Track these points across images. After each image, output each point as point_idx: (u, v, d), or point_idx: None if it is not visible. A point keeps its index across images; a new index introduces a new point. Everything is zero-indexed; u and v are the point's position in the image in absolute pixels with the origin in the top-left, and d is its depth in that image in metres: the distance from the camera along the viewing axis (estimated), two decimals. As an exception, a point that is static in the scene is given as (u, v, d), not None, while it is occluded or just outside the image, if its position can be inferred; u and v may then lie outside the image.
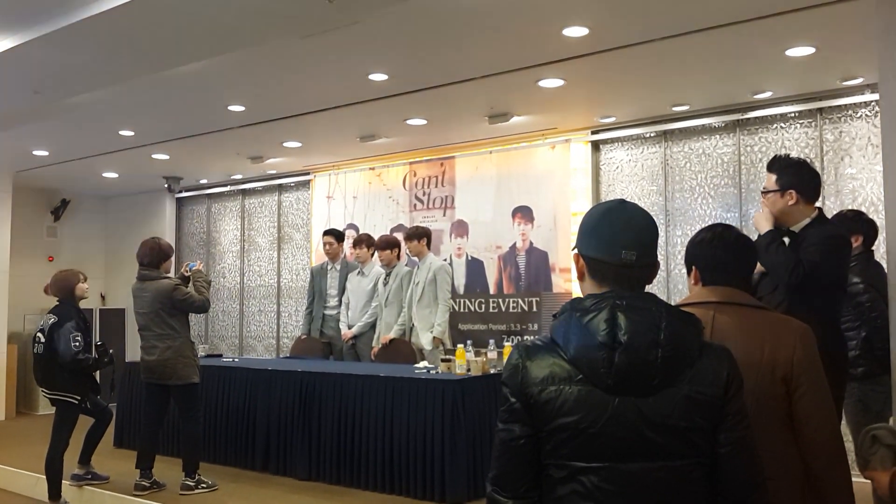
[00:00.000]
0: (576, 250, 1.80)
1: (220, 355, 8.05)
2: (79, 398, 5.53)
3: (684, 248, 7.78)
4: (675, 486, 1.61)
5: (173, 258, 6.24)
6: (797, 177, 3.21)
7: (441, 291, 6.53)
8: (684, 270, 7.86)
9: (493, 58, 5.33)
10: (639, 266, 1.71)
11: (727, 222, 6.60)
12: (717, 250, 2.26)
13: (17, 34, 4.96)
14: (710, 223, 6.75)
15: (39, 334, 5.57)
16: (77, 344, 5.42)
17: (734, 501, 1.67)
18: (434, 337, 6.47)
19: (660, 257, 7.23)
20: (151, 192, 10.81)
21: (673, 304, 1.73)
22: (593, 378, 1.61)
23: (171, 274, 6.03)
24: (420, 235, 6.71)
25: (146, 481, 5.58)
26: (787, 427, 2.11)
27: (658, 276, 6.97)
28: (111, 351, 5.89)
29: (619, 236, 1.71)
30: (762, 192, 3.29)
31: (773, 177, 3.23)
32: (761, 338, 2.12)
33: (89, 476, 5.83)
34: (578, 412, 1.60)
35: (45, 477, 5.54)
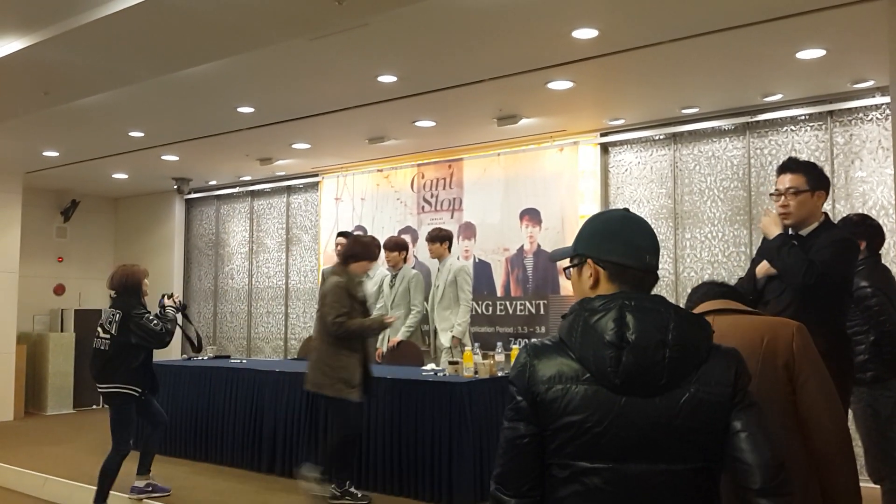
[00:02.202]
0: (577, 259, 1.80)
1: (229, 356, 8.07)
2: (140, 390, 5.28)
3: (693, 252, 7.78)
4: (677, 491, 1.60)
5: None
6: (823, 179, 3.22)
7: (462, 292, 6.59)
8: (693, 273, 7.85)
9: (502, 60, 5.32)
10: (654, 271, 1.76)
11: (736, 225, 6.64)
12: (702, 285, 2.55)
13: (27, 36, 4.99)
14: (719, 226, 6.78)
15: (100, 329, 5.35)
16: (155, 322, 5.28)
17: (759, 489, 1.60)
18: (453, 336, 6.49)
19: (669, 260, 7.24)
20: (161, 193, 10.85)
21: (693, 312, 1.75)
22: (600, 377, 1.61)
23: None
24: (443, 238, 6.76)
25: (337, 490, 5.14)
26: (789, 416, 2.14)
27: (667, 279, 6.96)
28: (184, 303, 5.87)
29: (642, 242, 1.75)
30: (793, 192, 3.18)
31: (802, 178, 3.18)
32: (759, 331, 2.20)
33: (150, 488, 5.46)
34: (584, 411, 1.61)
35: (48, 474, 5.51)
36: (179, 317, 5.77)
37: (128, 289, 5.43)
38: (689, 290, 7.10)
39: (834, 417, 2.13)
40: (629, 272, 1.72)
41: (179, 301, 5.77)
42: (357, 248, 5.45)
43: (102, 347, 5.32)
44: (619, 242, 1.74)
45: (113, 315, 5.35)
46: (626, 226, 1.77)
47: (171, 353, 10.22)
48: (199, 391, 6.66)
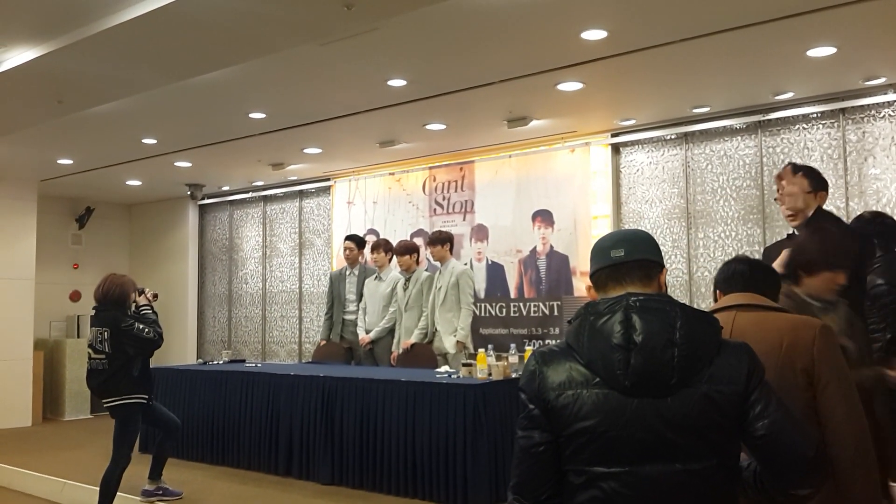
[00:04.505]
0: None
1: (244, 361, 8.11)
2: (147, 396, 5.24)
3: (706, 251, 7.74)
4: (694, 490, 1.60)
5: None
6: (823, 180, 3.42)
7: (464, 295, 6.54)
8: (707, 273, 7.80)
9: (512, 62, 5.33)
10: (630, 261, 1.77)
11: (749, 224, 6.61)
12: (731, 265, 2.45)
13: (41, 45, 5.03)
14: (732, 225, 6.75)
15: (91, 351, 5.20)
16: (147, 331, 5.15)
17: (789, 482, 1.66)
18: (457, 341, 6.48)
19: (682, 260, 7.20)
20: (174, 199, 10.91)
21: (700, 309, 1.76)
22: (610, 381, 1.61)
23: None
24: (444, 241, 6.73)
25: None
26: (807, 420, 2.08)
27: (680, 279, 6.91)
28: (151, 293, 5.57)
29: (606, 242, 1.83)
30: (805, 193, 3.39)
31: (805, 180, 3.38)
32: (780, 332, 2.16)
33: (160, 492, 5.47)
34: (596, 416, 1.61)
35: (67, 478, 5.50)
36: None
37: (114, 301, 5.20)
38: (703, 291, 7.08)
39: (853, 424, 2.07)
40: (601, 273, 1.79)
41: (153, 294, 5.57)
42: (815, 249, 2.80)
43: (100, 367, 5.17)
44: (593, 257, 1.84)
45: (101, 333, 5.15)
46: (598, 243, 1.87)
47: (187, 357, 10.30)
48: (215, 395, 6.69)
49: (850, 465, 2.04)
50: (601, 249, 1.82)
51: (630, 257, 1.76)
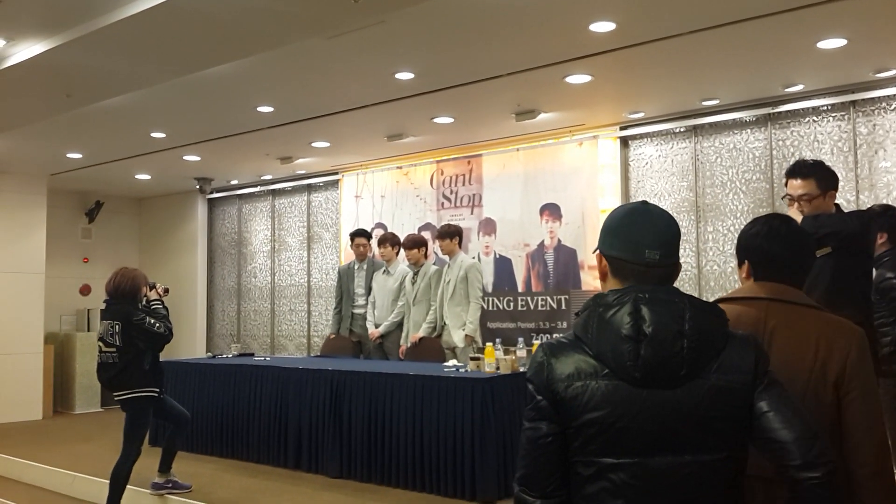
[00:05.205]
0: (598, 251, 1.80)
1: (252, 354, 8.13)
2: (157, 390, 5.25)
3: (716, 245, 7.68)
4: (704, 481, 1.60)
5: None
6: (832, 178, 3.33)
7: (472, 289, 6.55)
8: (716, 267, 7.73)
9: (520, 54, 5.31)
10: (662, 266, 1.70)
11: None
12: (771, 244, 2.13)
13: (49, 39, 5.05)
14: (741, 218, 6.70)
15: (102, 344, 5.18)
16: (157, 325, 5.14)
17: (800, 464, 1.60)
18: (466, 335, 6.49)
19: (691, 254, 7.16)
20: (183, 193, 10.95)
21: (707, 300, 1.72)
22: (620, 372, 1.60)
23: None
24: (452, 234, 6.74)
25: None
26: (832, 437, 2.00)
27: (689, 272, 6.88)
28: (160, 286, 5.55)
29: (642, 236, 1.71)
30: (806, 199, 3.28)
31: (813, 182, 3.28)
32: (815, 339, 2.02)
33: (170, 485, 5.50)
34: (606, 407, 1.60)
35: (77, 472, 5.53)
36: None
37: (125, 294, 5.18)
38: (711, 285, 7.04)
39: (872, 439, 1.99)
40: (627, 266, 1.70)
41: (164, 288, 5.56)
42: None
43: (111, 361, 5.16)
44: (618, 237, 1.73)
45: (112, 326, 5.13)
46: (628, 220, 1.74)
47: (197, 351, 10.33)
48: (225, 389, 6.72)
49: (865, 482, 1.97)
50: (634, 242, 1.70)
51: (663, 263, 1.70)
